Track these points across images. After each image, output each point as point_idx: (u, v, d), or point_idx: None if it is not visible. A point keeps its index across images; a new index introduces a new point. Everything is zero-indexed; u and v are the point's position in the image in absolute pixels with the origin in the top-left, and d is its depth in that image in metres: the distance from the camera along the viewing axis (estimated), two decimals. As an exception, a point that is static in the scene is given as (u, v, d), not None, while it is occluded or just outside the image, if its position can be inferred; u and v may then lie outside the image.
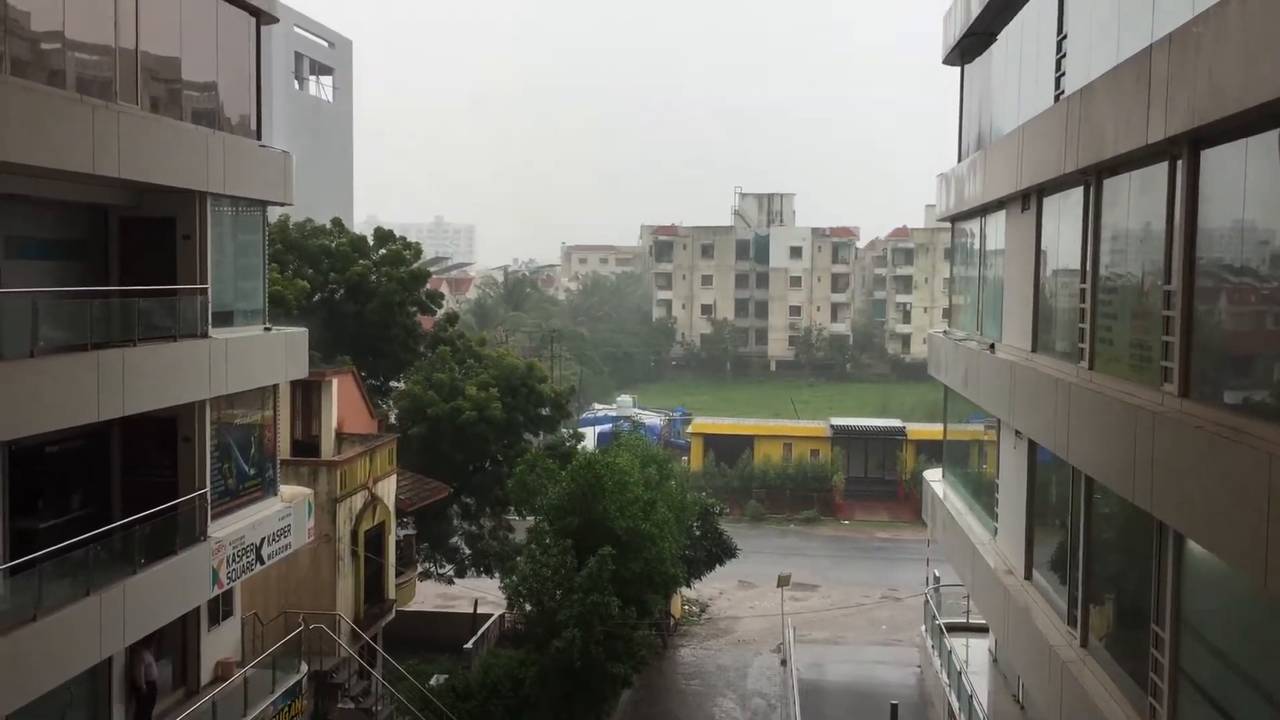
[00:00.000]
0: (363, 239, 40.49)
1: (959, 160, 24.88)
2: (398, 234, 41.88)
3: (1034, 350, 17.47)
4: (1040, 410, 15.98)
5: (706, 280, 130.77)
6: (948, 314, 30.77)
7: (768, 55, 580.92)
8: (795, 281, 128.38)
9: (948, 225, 27.42)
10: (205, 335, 19.10)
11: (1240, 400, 10.14)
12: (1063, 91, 16.33)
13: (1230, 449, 9.29)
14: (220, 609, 21.85)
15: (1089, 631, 14.58)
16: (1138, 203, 12.99)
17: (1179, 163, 11.33)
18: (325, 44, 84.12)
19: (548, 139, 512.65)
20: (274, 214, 28.73)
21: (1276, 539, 8.37)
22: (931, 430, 59.61)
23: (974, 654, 27.79)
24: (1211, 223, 10.88)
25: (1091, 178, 14.36)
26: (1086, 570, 14.72)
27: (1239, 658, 10.37)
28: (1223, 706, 10.51)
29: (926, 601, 35.05)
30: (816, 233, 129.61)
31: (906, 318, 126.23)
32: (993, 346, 19.97)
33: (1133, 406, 11.87)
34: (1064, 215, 16.10)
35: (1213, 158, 10.67)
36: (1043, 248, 17.39)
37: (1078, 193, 15.13)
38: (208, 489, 19.71)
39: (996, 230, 20.69)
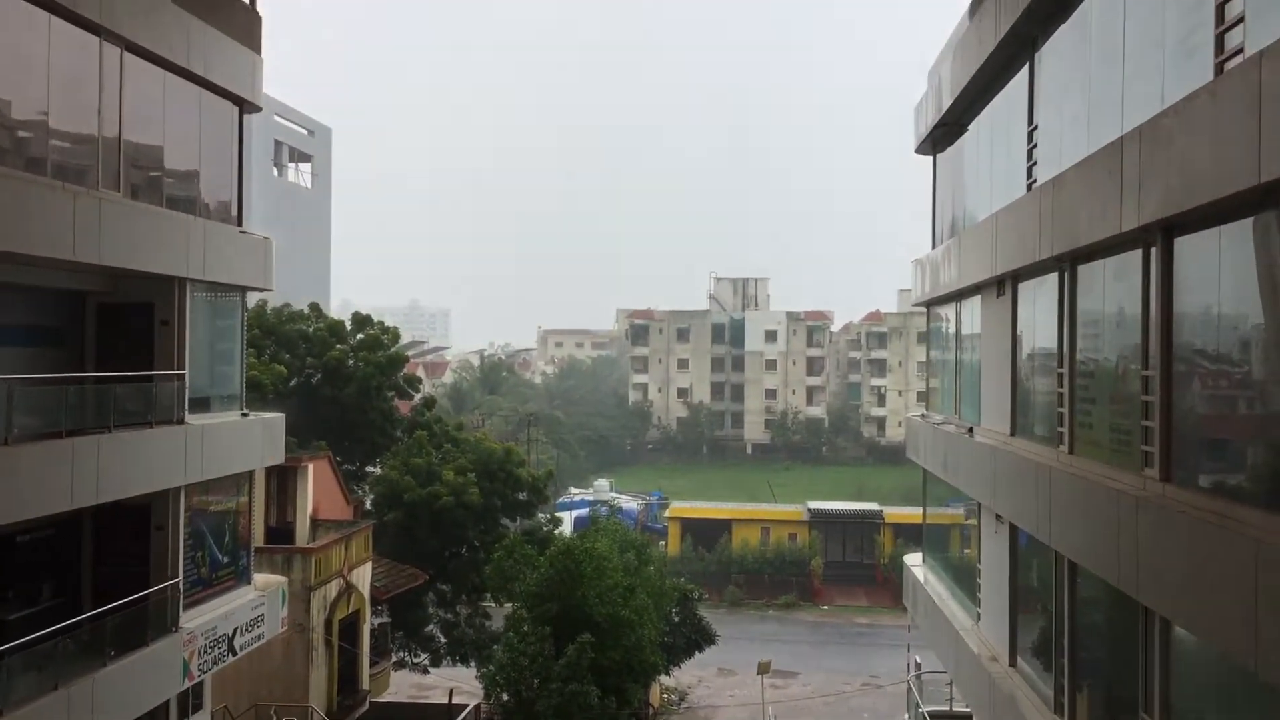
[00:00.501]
0: (340, 324, 40.50)
1: (933, 246, 25.20)
2: (374, 318, 41.95)
3: (1013, 434, 17.52)
4: (1021, 494, 15.99)
5: (682, 364, 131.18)
6: (924, 397, 30.91)
7: (742, 142, 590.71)
8: (770, 365, 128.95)
9: (920, 309, 27.69)
10: (182, 421, 18.95)
11: (1224, 485, 10.17)
12: (1035, 180, 16.62)
13: (1217, 534, 9.30)
14: (190, 702, 21.35)
15: (1076, 719, 14.41)
16: (1113, 288, 13.16)
17: (1153, 250, 11.51)
18: (304, 131, 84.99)
19: (523, 223, 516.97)
20: (252, 299, 28.73)
21: (1265, 625, 8.34)
22: (909, 514, 59.58)
23: (958, 743, 27.39)
24: (1188, 308, 11.01)
25: (1066, 264, 14.56)
26: (1072, 656, 14.60)
27: (1230, 746, 10.28)
28: (1215, 796, 10.39)
29: (909, 689, 34.62)
30: (791, 316, 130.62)
31: (881, 401, 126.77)
32: (971, 430, 20.04)
33: (1115, 491, 11.89)
34: (1039, 300, 16.29)
35: (1186, 245, 10.84)
36: (1019, 332, 17.55)
37: (1052, 279, 15.33)
38: (180, 578, 19.39)
39: (972, 315, 20.89)
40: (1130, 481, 11.85)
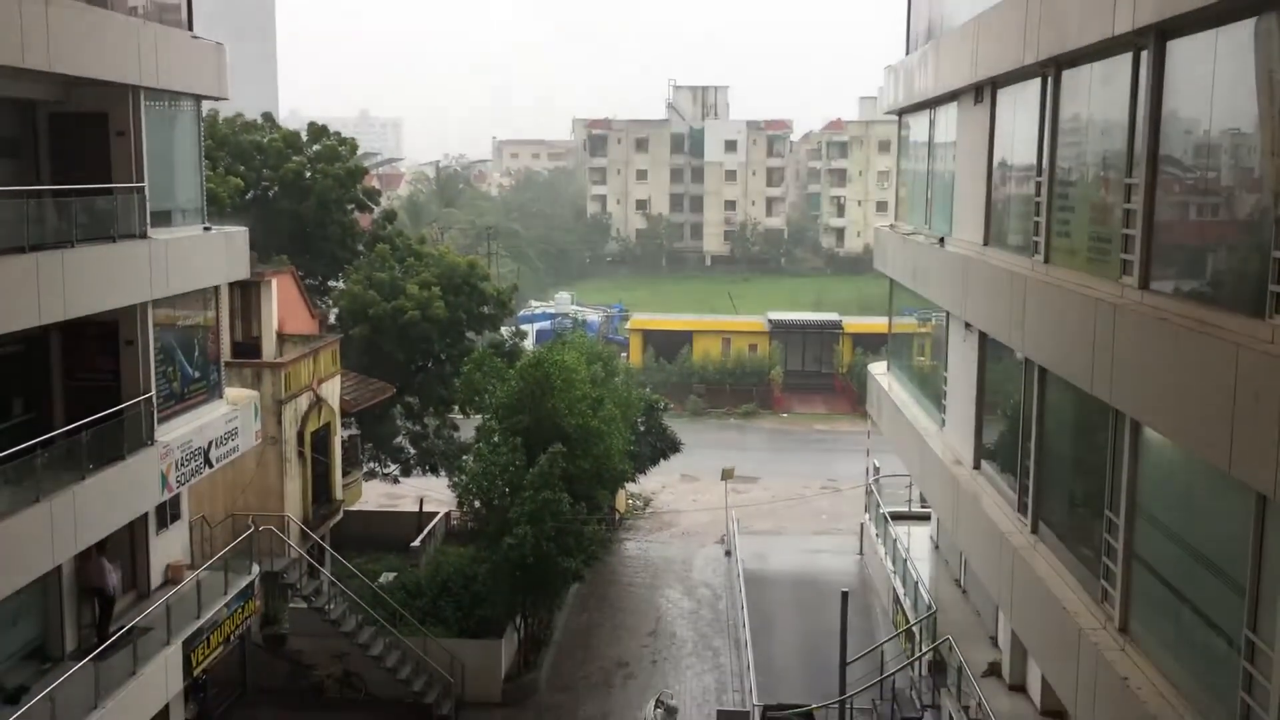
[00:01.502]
0: (296, 135, 39.38)
1: (906, 52, 24.68)
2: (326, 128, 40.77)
3: (986, 244, 17.59)
4: (994, 303, 16.17)
5: (641, 175, 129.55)
6: (886, 207, 30.81)
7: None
8: (730, 175, 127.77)
9: (886, 119, 27.32)
10: (145, 235, 18.55)
11: (1204, 292, 10.30)
12: (1020, -19, 16.16)
13: (1196, 340, 9.46)
14: (168, 512, 21.64)
15: (1039, 519, 14.98)
16: (1099, 94, 12.99)
17: (1144, 54, 11.32)
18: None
19: (476, 30, 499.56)
20: (204, 109, 27.60)
21: (1242, 427, 8.59)
22: (868, 324, 60.39)
23: (915, 541, 28.56)
24: (1177, 114, 10.92)
25: (1050, 70, 14.31)
26: (1038, 460, 15.05)
27: (1192, 540, 10.72)
28: (1175, 586, 10.90)
29: (869, 491, 35.84)
30: (751, 126, 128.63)
31: (840, 211, 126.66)
32: (942, 240, 20.08)
33: (1092, 299, 12.02)
34: (1019, 108, 16.08)
35: (1180, 49, 10.66)
36: (996, 141, 17.39)
37: (1034, 85, 15.09)
38: (153, 393, 19.35)
39: (947, 123, 20.64)
40: (1108, 290, 11.98)
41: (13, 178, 17.61)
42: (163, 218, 19.71)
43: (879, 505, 32.77)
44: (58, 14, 15.65)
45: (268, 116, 40.76)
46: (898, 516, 31.28)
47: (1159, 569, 11.23)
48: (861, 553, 36.06)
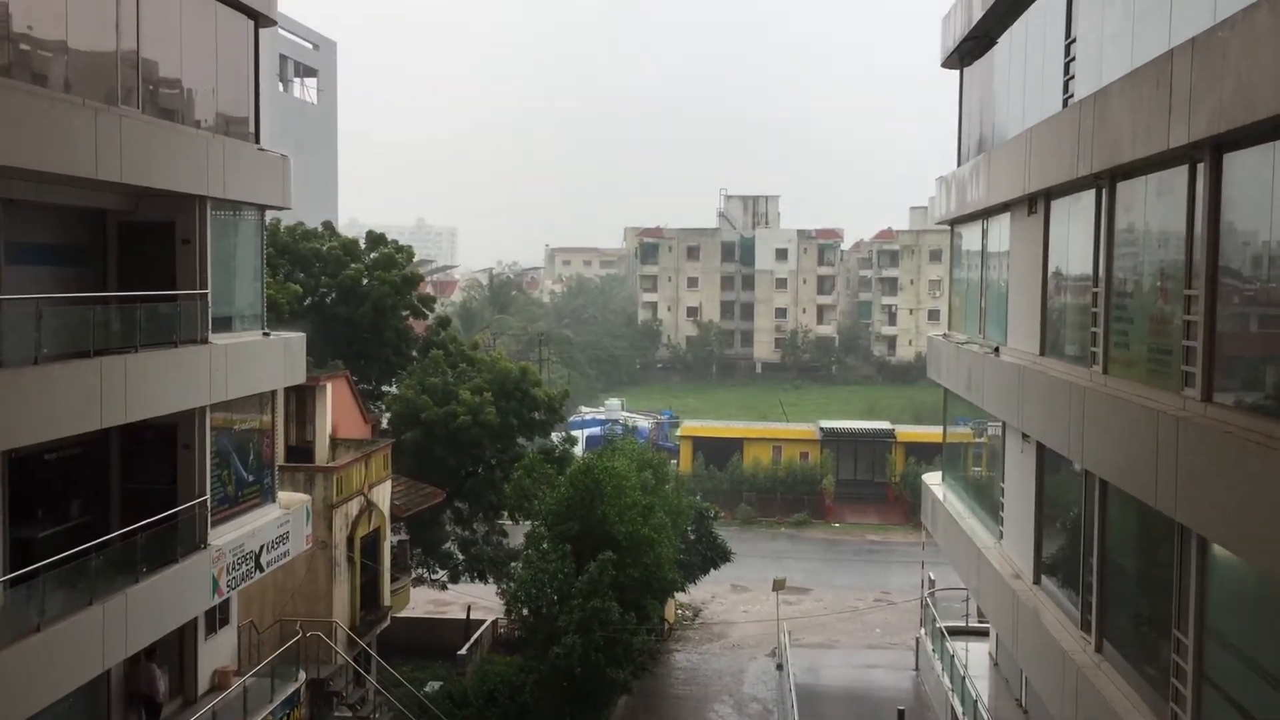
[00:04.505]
0: (354, 242, 40.23)
1: (958, 163, 24.87)
2: (387, 237, 41.64)
3: (1042, 354, 17.43)
4: (1051, 414, 15.94)
5: (692, 282, 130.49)
6: (942, 316, 30.71)
7: (751, 60, 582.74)
8: (781, 283, 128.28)
9: (937, 229, 27.39)
10: (205, 341, 18.89)
11: (1267, 405, 10.08)
12: (1071, 95, 16.30)
13: (1264, 454, 9.23)
14: (217, 617, 21.60)
15: (1104, 636, 14.52)
16: (1155, 206, 12.95)
17: (1200, 167, 11.30)
18: (309, 46, 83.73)
19: (528, 141, 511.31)
20: (266, 218, 28.40)
21: (1315, 545, 8.32)
22: (921, 433, 59.78)
23: (973, 657, 27.77)
24: (1236, 225, 10.84)
25: (1105, 181, 14.32)
26: (1101, 575, 14.66)
27: (1267, 662, 10.31)
28: (1249, 711, 10.46)
29: (925, 605, 35.04)
30: (802, 235, 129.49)
31: (892, 319, 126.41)
32: (997, 350, 19.94)
33: (1153, 411, 11.82)
34: (1073, 218, 16.07)
35: (1237, 161, 10.63)
36: (1050, 251, 17.36)
37: (1089, 196, 15.10)
38: (208, 496, 19.49)
39: (1000, 233, 20.66)
40: (1169, 402, 11.78)
41: (81, 284, 18.08)
42: (223, 323, 20.09)
43: (935, 619, 31.99)
44: (131, 127, 16.23)
45: (327, 225, 41.74)
46: (955, 631, 30.49)
47: (1232, 693, 10.79)
48: (918, 669, 35.10)
